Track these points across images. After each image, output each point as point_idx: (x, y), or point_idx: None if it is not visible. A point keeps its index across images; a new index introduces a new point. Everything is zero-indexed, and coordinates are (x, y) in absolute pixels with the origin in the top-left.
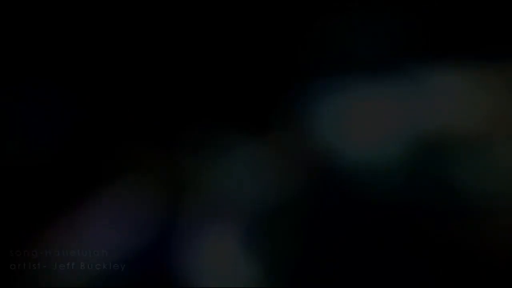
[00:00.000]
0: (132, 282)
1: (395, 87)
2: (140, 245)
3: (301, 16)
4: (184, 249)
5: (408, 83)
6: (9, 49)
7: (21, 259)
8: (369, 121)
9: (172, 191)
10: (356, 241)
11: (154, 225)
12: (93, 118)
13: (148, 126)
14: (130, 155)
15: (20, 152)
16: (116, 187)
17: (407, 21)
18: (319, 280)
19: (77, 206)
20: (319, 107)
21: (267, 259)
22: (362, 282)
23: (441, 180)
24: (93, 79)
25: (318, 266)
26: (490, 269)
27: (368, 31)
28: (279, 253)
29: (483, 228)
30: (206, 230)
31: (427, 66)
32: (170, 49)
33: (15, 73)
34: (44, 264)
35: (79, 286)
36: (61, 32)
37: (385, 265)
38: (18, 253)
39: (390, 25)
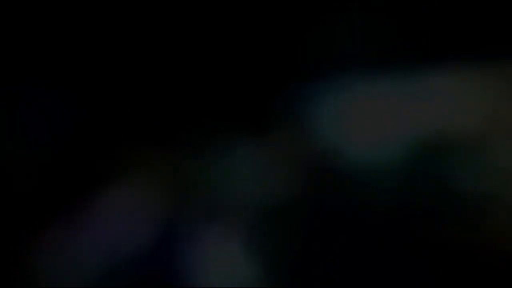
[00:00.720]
0: (132, 282)
1: (395, 87)
2: (140, 245)
3: (301, 16)
4: (184, 249)
5: (408, 83)
6: (9, 49)
7: (22, 259)
8: (369, 121)
9: (171, 191)
10: (356, 241)
11: (153, 226)
12: (93, 118)
13: (147, 126)
14: (130, 155)
15: (19, 152)
16: (116, 187)
17: (407, 21)
18: (319, 280)
19: (77, 206)
20: (319, 107)
21: (267, 259)
22: (362, 282)
23: (441, 180)
24: (93, 79)
25: (318, 266)
26: (490, 270)
27: (368, 31)
28: (279, 253)
29: (483, 229)
30: (206, 230)
31: (427, 66)
32: (169, 48)
33: (15, 73)
34: (45, 264)
35: (80, 286)
36: (61, 32)
37: (385, 265)
38: (18, 253)
39: (390, 25)
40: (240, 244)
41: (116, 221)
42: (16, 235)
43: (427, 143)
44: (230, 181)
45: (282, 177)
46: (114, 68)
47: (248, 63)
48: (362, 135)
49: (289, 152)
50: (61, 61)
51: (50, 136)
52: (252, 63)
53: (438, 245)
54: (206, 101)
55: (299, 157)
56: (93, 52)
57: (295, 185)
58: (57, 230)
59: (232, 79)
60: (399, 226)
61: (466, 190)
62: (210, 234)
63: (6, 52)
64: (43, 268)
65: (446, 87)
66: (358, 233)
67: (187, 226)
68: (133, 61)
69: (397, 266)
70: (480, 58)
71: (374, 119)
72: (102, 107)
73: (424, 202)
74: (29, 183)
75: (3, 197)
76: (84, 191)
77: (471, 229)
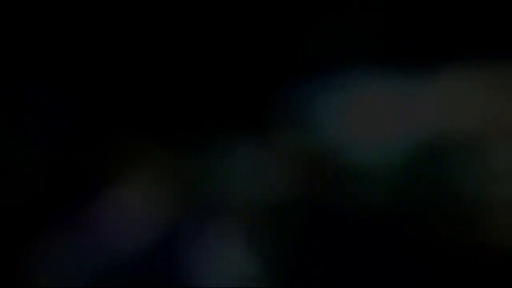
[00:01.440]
0: (133, 282)
1: (395, 87)
2: (141, 245)
3: (300, 15)
4: (184, 249)
5: (408, 84)
6: (9, 49)
7: (22, 259)
8: (369, 121)
9: (171, 191)
10: (356, 241)
11: (153, 225)
12: (93, 118)
13: (148, 126)
14: (130, 155)
15: (19, 152)
16: (117, 187)
17: (407, 21)
18: (319, 279)
19: (77, 206)
20: (318, 107)
21: (268, 259)
22: (362, 282)
23: (441, 180)
24: (94, 79)
25: (318, 266)
26: (489, 270)
27: (367, 31)
28: (279, 252)
29: (482, 229)
30: (205, 230)
31: (427, 67)
32: (169, 48)
33: (15, 73)
34: (45, 265)
35: (81, 286)
36: (61, 32)
37: (384, 265)
38: (18, 254)
39: (390, 25)
40: (240, 243)
41: (117, 221)
42: (16, 236)
43: (427, 143)
44: (230, 181)
45: (282, 177)
46: (114, 69)
47: (248, 63)
48: (362, 135)
49: (289, 152)
50: (62, 61)
51: (50, 135)
52: (252, 63)
53: (437, 245)
54: (206, 101)
55: (299, 157)
56: (93, 53)
57: (295, 185)
58: (58, 230)
59: (232, 79)
60: (399, 226)
61: (466, 190)
62: (210, 234)
63: (6, 52)
64: (43, 269)
65: (446, 87)
66: (358, 233)
67: (187, 226)
68: (133, 61)
69: (397, 266)
70: (480, 58)
71: (374, 119)
72: (103, 107)
73: (423, 202)
74: (29, 183)
75: (3, 197)
76: (85, 191)
77: (470, 229)
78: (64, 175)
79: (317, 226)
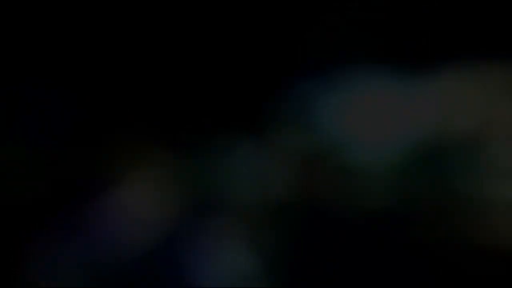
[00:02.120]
0: (133, 282)
1: (395, 87)
2: (141, 244)
3: (300, 15)
4: (183, 248)
5: (408, 84)
6: (9, 49)
7: (23, 259)
8: (369, 121)
9: (171, 191)
10: (355, 241)
11: (153, 225)
12: (94, 119)
13: (148, 126)
14: (130, 156)
15: (20, 152)
16: (117, 187)
17: (408, 21)
18: (319, 279)
19: (78, 206)
20: (318, 107)
21: (267, 258)
22: (361, 283)
23: (441, 180)
24: (94, 80)
25: (317, 265)
26: (489, 269)
27: (367, 30)
28: (279, 252)
29: (482, 229)
30: (205, 230)
31: (428, 67)
32: (168, 49)
33: (15, 73)
34: (45, 264)
35: (82, 286)
36: (61, 32)
37: (384, 265)
38: (19, 253)
39: (390, 25)
40: (240, 243)
41: (117, 221)
42: (16, 236)
43: (427, 143)
44: (230, 181)
45: (281, 177)
46: (115, 70)
47: (247, 63)
48: (361, 135)
49: (289, 152)
50: (62, 61)
51: (51, 135)
52: (252, 63)
53: (437, 245)
54: (206, 101)
55: (298, 156)
56: (94, 53)
57: (295, 185)
58: (58, 230)
59: (231, 79)
60: (398, 226)
61: (466, 190)
62: (210, 234)
63: (6, 52)
64: (44, 269)
65: (446, 87)
66: (357, 233)
67: (187, 226)
68: (134, 62)
69: (396, 265)
70: (480, 58)
71: (374, 119)
72: (103, 108)
73: (423, 202)
74: (30, 183)
75: (3, 197)
76: (85, 191)
77: (470, 229)
78: (64, 175)
79: (317, 226)
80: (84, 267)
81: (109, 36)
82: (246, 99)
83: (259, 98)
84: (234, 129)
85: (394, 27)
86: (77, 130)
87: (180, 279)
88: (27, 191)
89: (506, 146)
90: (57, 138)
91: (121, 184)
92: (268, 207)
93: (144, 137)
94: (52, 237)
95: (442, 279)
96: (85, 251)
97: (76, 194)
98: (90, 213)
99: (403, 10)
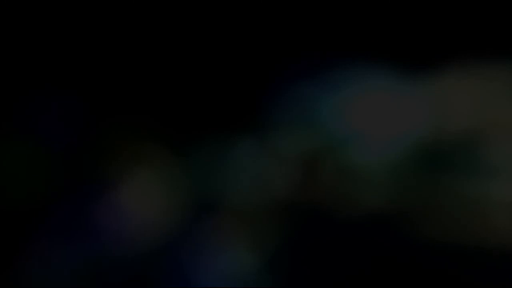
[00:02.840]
0: (133, 282)
1: (395, 87)
2: (140, 244)
3: (300, 15)
4: (183, 248)
5: (408, 84)
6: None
7: (23, 258)
8: (368, 121)
9: (170, 192)
10: (354, 241)
11: (152, 226)
12: (94, 119)
13: (148, 127)
14: (130, 156)
15: (20, 151)
16: (117, 187)
17: (407, 20)
18: (318, 280)
19: (78, 205)
20: (317, 107)
21: (266, 259)
22: (360, 283)
23: (440, 181)
24: (94, 80)
25: (317, 266)
26: (489, 269)
27: (367, 30)
28: (278, 252)
29: (481, 229)
30: (204, 229)
31: (428, 67)
32: (170, 50)
33: (15, 73)
34: (45, 264)
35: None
36: (60, 31)
37: (383, 265)
38: (19, 253)
39: (390, 24)
40: (240, 243)
41: (117, 220)
42: (17, 235)
43: (427, 143)
44: (229, 181)
45: (281, 177)
46: (116, 71)
47: (247, 63)
48: (361, 135)
49: (288, 152)
50: (63, 61)
51: (51, 135)
52: (252, 63)
53: (436, 245)
54: (205, 102)
55: (297, 156)
56: (95, 55)
57: (294, 185)
58: (58, 231)
59: (231, 79)
60: (398, 225)
61: (465, 190)
62: (209, 233)
63: (6, 53)
64: (43, 269)
65: (446, 87)
66: (357, 233)
67: (186, 226)
68: (135, 63)
69: (396, 265)
70: (480, 58)
71: (373, 119)
72: (103, 108)
73: (422, 202)
74: (30, 183)
75: (5, 195)
76: (85, 191)
77: (470, 229)
78: (64, 175)
79: (317, 226)
80: (84, 267)
81: (108, 37)
82: (246, 99)
83: (259, 98)
84: (234, 129)
85: (395, 27)
86: (77, 130)
87: (180, 279)
88: (27, 191)
89: (506, 146)
90: (57, 138)
91: (121, 184)
92: (268, 207)
93: (144, 137)
94: (51, 237)
95: (442, 279)
96: (85, 251)
97: (76, 194)
98: (90, 213)
99: (403, 10)
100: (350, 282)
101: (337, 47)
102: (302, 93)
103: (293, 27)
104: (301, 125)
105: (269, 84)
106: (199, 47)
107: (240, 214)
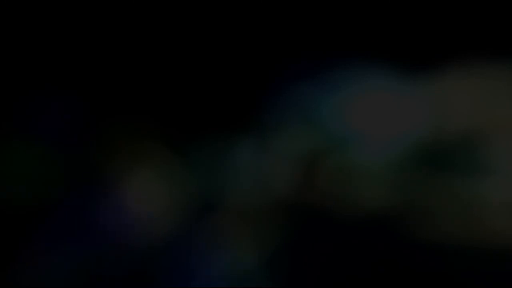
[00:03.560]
0: (133, 281)
1: (395, 86)
2: (140, 244)
3: (299, 15)
4: (183, 249)
5: (408, 84)
6: (13, 53)
7: (23, 258)
8: (368, 121)
9: (170, 192)
10: (354, 241)
11: (152, 225)
12: (94, 119)
13: (149, 127)
14: (131, 156)
15: (21, 151)
16: (117, 186)
17: (407, 20)
18: (318, 280)
19: (78, 205)
20: (317, 107)
21: (266, 259)
22: (360, 283)
23: (440, 180)
24: (95, 81)
25: (316, 266)
26: (488, 269)
27: (367, 30)
28: (278, 252)
29: (481, 229)
30: (204, 230)
31: (427, 66)
32: (167, 51)
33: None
34: (45, 264)
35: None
36: (66, 35)
37: (383, 265)
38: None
39: (390, 24)
40: (240, 242)
41: (117, 220)
42: (17, 235)
43: (427, 143)
44: (229, 181)
45: (280, 177)
46: (114, 70)
47: (248, 63)
48: (361, 135)
49: (289, 152)
50: (64, 61)
51: (51, 135)
52: (252, 63)
53: (436, 245)
54: (206, 102)
55: (297, 156)
56: (94, 55)
57: (294, 185)
58: (58, 230)
59: (232, 79)
60: (397, 225)
61: (465, 190)
62: (209, 233)
63: (7, 53)
64: (43, 268)
65: (446, 87)
66: (356, 233)
67: (186, 226)
68: (136, 64)
69: (396, 265)
70: (480, 58)
71: (373, 119)
72: (103, 108)
73: (422, 202)
74: (30, 182)
75: (4, 196)
76: (85, 191)
77: (469, 229)
78: (65, 174)
79: (317, 226)
80: (84, 266)
81: (108, 37)
82: (246, 99)
83: (259, 98)
84: (234, 129)
85: (395, 26)
86: (77, 130)
87: (180, 278)
88: (27, 190)
89: (506, 145)
90: (57, 138)
91: (122, 183)
92: (268, 207)
93: (144, 137)
94: (52, 237)
95: (442, 279)
96: (85, 250)
97: (76, 193)
98: (91, 212)
99: (403, 10)
100: (350, 282)
101: (337, 47)
102: (302, 93)
103: (293, 27)
104: (301, 125)
105: (269, 84)
106: (199, 47)
107: (240, 214)
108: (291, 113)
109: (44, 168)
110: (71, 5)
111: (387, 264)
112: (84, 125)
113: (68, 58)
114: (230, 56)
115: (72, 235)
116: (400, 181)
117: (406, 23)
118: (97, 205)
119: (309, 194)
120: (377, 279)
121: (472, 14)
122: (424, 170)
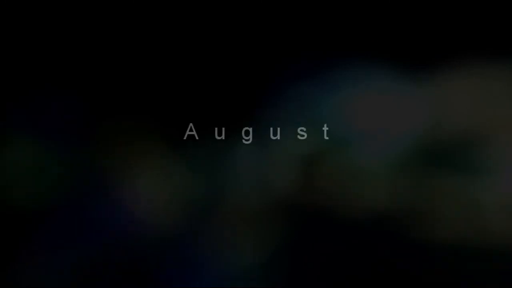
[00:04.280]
0: (133, 281)
1: (394, 87)
2: (140, 244)
3: (299, 15)
4: (183, 249)
5: (407, 83)
6: (13, 53)
7: (23, 258)
8: (368, 121)
9: (170, 192)
10: (354, 241)
11: (152, 225)
12: (94, 118)
13: (147, 127)
14: (130, 155)
15: (21, 151)
16: (117, 186)
17: (407, 20)
18: (318, 280)
19: (78, 205)
20: (317, 107)
21: (265, 258)
22: (360, 283)
23: (440, 180)
24: (96, 81)
25: (316, 266)
26: (489, 270)
27: (367, 30)
28: (278, 252)
29: (481, 229)
30: (204, 230)
31: (426, 66)
32: (167, 51)
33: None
34: (45, 264)
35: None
36: (66, 35)
37: (382, 265)
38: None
39: (389, 24)
40: (240, 242)
41: (117, 220)
42: (17, 235)
43: (427, 143)
44: (229, 181)
45: (280, 177)
46: (114, 70)
47: (248, 63)
48: (361, 135)
49: (289, 152)
50: (64, 62)
51: (51, 135)
52: (252, 62)
53: (436, 245)
54: (206, 101)
55: (298, 156)
56: (97, 58)
57: (294, 185)
58: (57, 230)
59: (232, 79)
60: (398, 225)
61: (465, 190)
62: (209, 233)
63: (7, 53)
64: (43, 268)
65: (445, 87)
66: (356, 233)
67: (187, 225)
68: (135, 65)
69: (396, 265)
70: (481, 58)
71: (373, 119)
72: (103, 108)
73: (422, 202)
74: (30, 182)
75: (7, 195)
76: (85, 190)
77: (468, 229)
78: (65, 174)
79: (317, 226)
80: (84, 266)
81: (108, 37)
82: (246, 98)
83: (259, 97)
84: (234, 128)
85: (394, 27)
86: (77, 130)
87: (180, 278)
88: (27, 190)
89: (506, 145)
90: (57, 138)
91: (122, 183)
92: (269, 207)
93: (144, 137)
94: (52, 237)
95: (442, 279)
96: (86, 250)
97: (76, 193)
98: (91, 212)
99: (403, 9)
100: (350, 282)
101: (337, 47)
102: (302, 93)
103: (293, 27)
104: (301, 125)
105: (269, 84)
106: (199, 47)
107: (241, 214)
108: (291, 113)
109: (44, 168)
110: (71, 5)
111: (387, 264)
112: (84, 125)
113: (68, 58)
114: (230, 56)
115: (72, 235)
116: (400, 181)
117: (406, 23)
118: (97, 205)
119: (309, 194)
120: (377, 279)
121: (472, 14)
122: (424, 170)
